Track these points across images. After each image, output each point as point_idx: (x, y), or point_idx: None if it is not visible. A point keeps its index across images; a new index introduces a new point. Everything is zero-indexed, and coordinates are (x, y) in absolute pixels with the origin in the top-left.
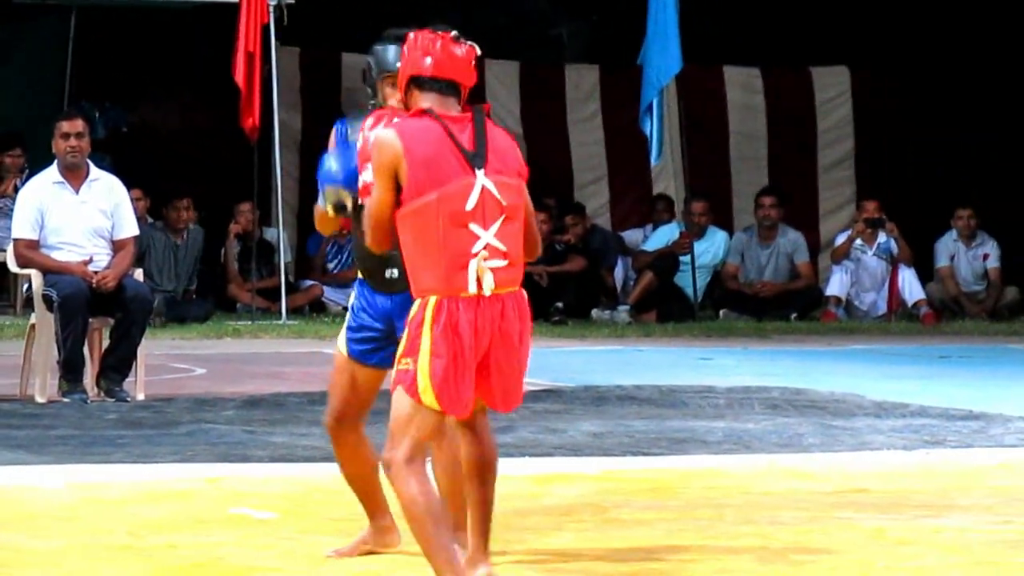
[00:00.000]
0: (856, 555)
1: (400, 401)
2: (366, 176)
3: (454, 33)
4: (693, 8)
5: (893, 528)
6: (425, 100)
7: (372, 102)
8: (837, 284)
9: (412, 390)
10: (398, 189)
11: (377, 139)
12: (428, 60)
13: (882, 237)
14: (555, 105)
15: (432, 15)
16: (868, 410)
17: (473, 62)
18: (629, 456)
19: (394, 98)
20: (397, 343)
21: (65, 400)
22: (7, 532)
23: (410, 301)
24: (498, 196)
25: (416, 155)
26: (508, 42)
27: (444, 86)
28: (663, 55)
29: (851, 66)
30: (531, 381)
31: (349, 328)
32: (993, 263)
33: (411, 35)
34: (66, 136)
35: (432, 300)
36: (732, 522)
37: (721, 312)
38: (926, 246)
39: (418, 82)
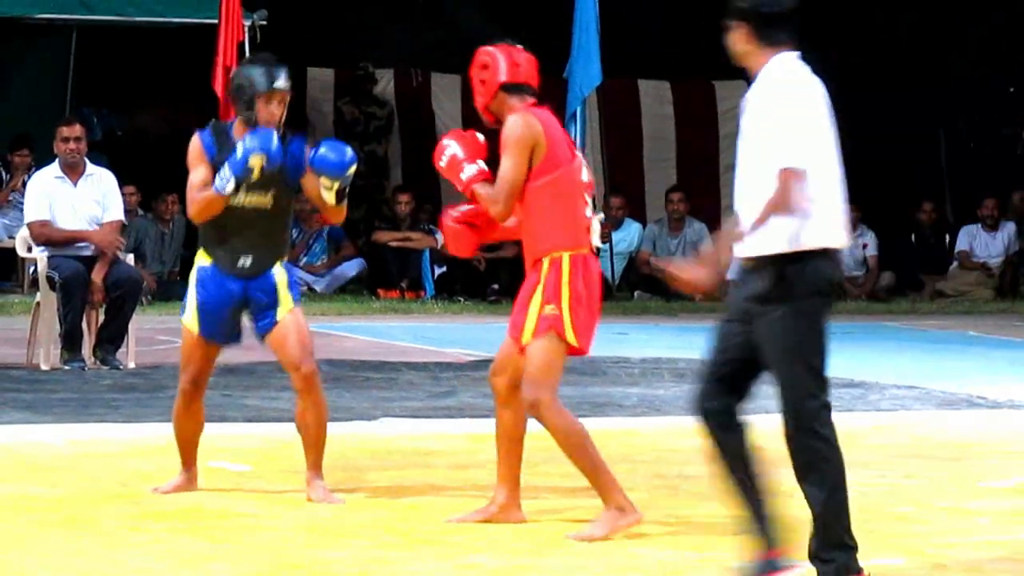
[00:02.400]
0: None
1: (544, 346)
2: (481, 165)
3: (521, 46)
4: (612, 28)
5: (783, 480)
6: (515, 101)
7: (247, 114)
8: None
9: (561, 331)
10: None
11: (522, 122)
12: (517, 70)
13: None
14: None
15: (383, 33)
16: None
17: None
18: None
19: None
20: (237, 323)
21: (66, 368)
22: (15, 482)
23: (259, 284)
24: (584, 174)
25: (552, 136)
26: (450, 57)
27: (528, 90)
28: (586, 70)
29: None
30: (470, 352)
31: (200, 310)
32: (871, 251)
33: (494, 49)
34: (66, 139)
35: (567, 255)
36: (645, 475)
37: (635, 293)
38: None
39: (508, 88)
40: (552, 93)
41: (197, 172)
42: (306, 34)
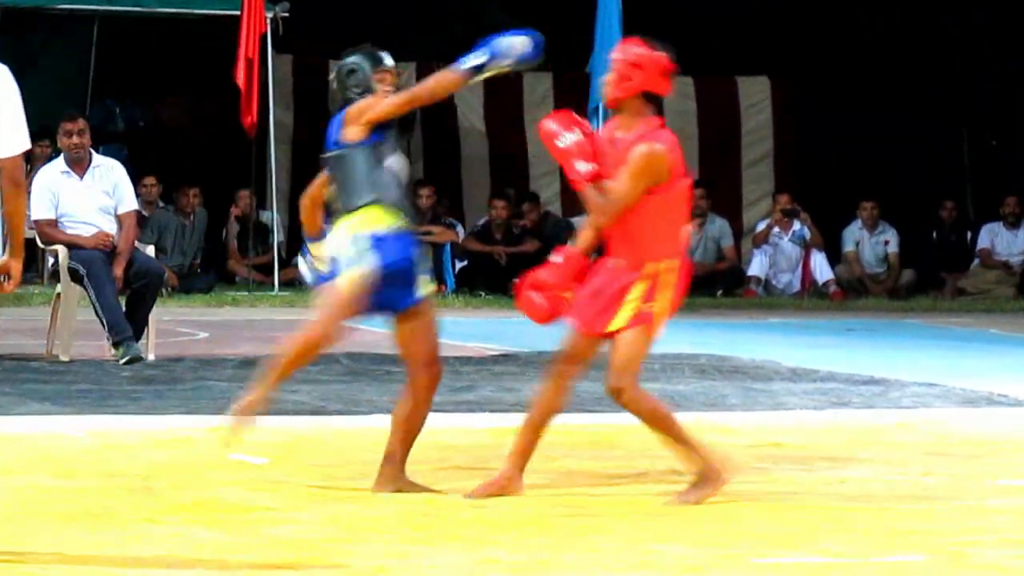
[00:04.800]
0: (772, 500)
1: (635, 338)
2: (595, 167)
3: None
4: (634, 23)
5: (804, 478)
6: (647, 111)
7: (356, 91)
8: (757, 266)
9: (651, 327)
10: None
11: (657, 155)
12: (662, 82)
13: (797, 225)
14: (514, 107)
15: (406, 28)
16: (784, 375)
17: None
18: (575, 413)
19: (383, 89)
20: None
21: (122, 362)
22: (35, 473)
23: None
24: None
25: (675, 158)
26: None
27: (659, 101)
28: (608, 64)
29: (771, 76)
30: (490, 346)
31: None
32: (893, 248)
33: (647, 52)
34: (69, 134)
35: (670, 265)
36: (664, 471)
37: None
38: (835, 233)
39: (648, 97)
40: (575, 87)
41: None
42: (328, 27)
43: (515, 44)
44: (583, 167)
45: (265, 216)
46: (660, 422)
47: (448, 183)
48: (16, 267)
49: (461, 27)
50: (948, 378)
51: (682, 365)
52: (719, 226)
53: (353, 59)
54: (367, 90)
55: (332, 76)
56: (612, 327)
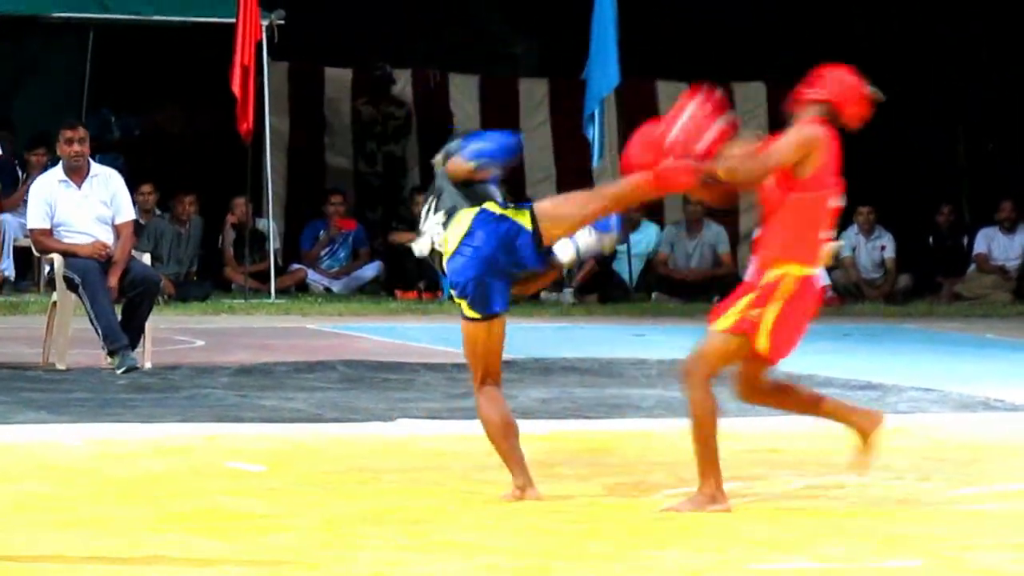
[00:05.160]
0: (770, 505)
1: (730, 341)
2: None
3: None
4: (630, 29)
5: (801, 483)
6: (818, 120)
7: None
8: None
9: (753, 338)
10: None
11: (817, 132)
12: (856, 111)
13: None
14: (510, 113)
15: (402, 34)
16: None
17: None
18: (572, 419)
19: None
20: None
21: (118, 371)
22: (32, 481)
23: None
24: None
25: (829, 157)
26: (469, 58)
27: (836, 121)
28: (604, 71)
29: (767, 82)
30: None
31: None
32: (889, 254)
33: (858, 84)
34: (69, 141)
35: (794, 272)
36: (662, 477)
37: (653, 295)
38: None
39: (828, 111)
40: (571, 94)
41: None
42: (324, 34)
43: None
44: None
45: (261, 224)
46: (701, 425)
47: None
48: None
49: (457, 33)
50: (945, 383)
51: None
52: (716, 232)
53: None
54: None
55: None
56: (717, 326)
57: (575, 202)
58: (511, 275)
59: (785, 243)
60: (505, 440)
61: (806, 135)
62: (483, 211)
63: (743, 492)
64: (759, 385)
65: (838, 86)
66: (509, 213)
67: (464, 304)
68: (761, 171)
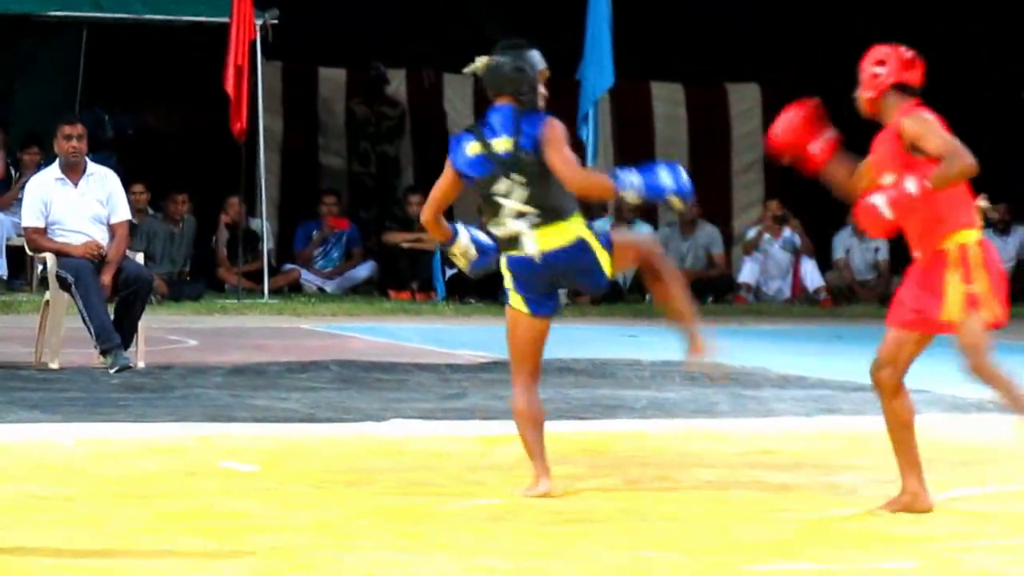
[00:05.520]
0: (762, 507)
1: (975, 320)
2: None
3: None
4: (625, 30)
5: (795, 484)
6: (900, 101)
7: (529, 96)
8: (747, 272)
9: (978, 308)
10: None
11: (927, 116)
12: (907, 73)
13: (787, 232)
14: None
15: (398, 34)
16: (774, 382)
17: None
18: (566, 420)
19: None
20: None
21: (109, 370)
22: (24, 481)
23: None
24: None
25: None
26: (463, 58)
27: (912, 91)
28: (598, 72)
29: (761, 83)
30: (481, 354)
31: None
32: (883, 255)
33: (890, 49)
34: (68, 137)
35: (973, 237)
36: (655, 477)
37: (646, 296)
38: (825, 240)
39: (903, 88)
40: (565, 95)
41: (566, 150)
42: (318, 33)
43: (668, 180)
44: (910, 184)
45: (255, 223)
46: (1016, 400)
47: None
48: None
49: (451, 33)
50: (938, 385)
51: (672, 372)
52: (709, 233)
53: (521, 56)
54: (532, 92)
55: (485, 66)
56: (948, 316)
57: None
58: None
59: (950, 213)
60: (530, 431)
61: (927, 117)
62: (581, 240)
63: (737, 494)
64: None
65: (893, 61)
66: (595, 247)
67: (520, 299)
68: (965, 151)
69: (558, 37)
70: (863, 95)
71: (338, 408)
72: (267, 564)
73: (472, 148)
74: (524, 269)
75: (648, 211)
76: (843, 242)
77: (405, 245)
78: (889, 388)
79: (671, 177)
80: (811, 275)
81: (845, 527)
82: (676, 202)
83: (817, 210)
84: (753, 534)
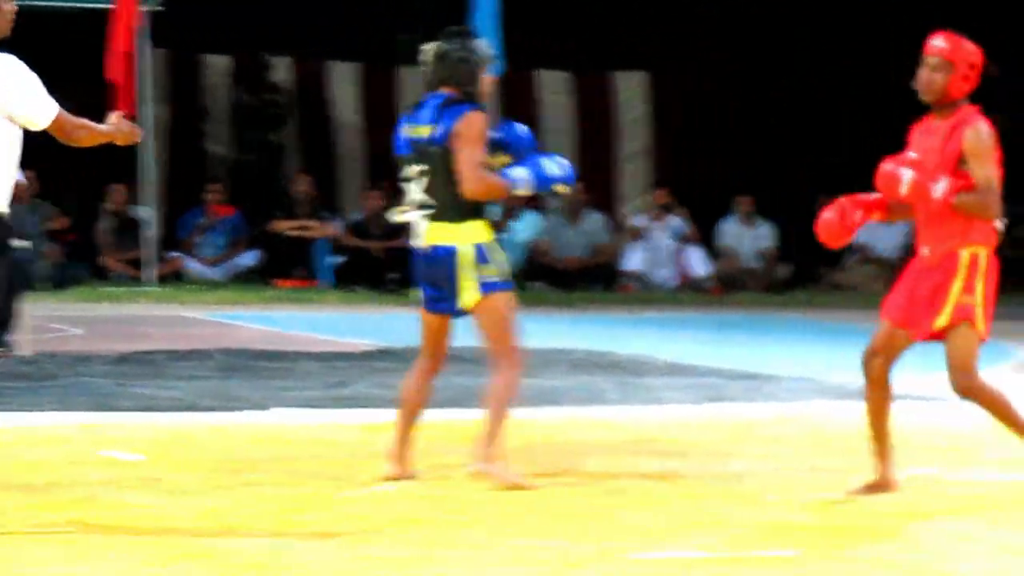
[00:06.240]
0: (649, 494)
1: (965, 335)
2: (947, 179)
3: None
4: (511, 20)
5: (683, 472)
6: (967, 103)
7: (472, 88)
8: (634, 260)
9: (973, 321)
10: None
11: (990, 132)
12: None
13: (673, 219)
14: (390, 101)
15: (284, 23)
16: (661, 369)
17: None
18: (452, 408)
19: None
20: None
21: None
22: None
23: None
24: None
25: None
26: (349, 47)
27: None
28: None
29: (649, 71)
30: (367, 342)
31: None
32: (769, 243)
33: (977, 52)
34: None
35: (984, 252)
36: (541, 466)
37: (533, 284)
38: (711, 227)
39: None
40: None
41: (477, 151)
42: (202, 21)
43: (554, 169)
44: (940, 185)
45: (139, 211)
46: (1004, 413)
47: (325, 178)
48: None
49: (337, 21)
50: (824, 372)
51: (558, 360)
52: (596, 221)
53: (466, 45)
54: (475, 82)
55: (430, 54)
56: (937, 324)
57: None
58: None
59: (970, 227)
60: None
61: (991, 144)
62: (455, 249)
63: (623, 481)
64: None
65: (978, 67)
66: (464, 269)
67: (420, 290)
68: (998, 200)
69: (444, 26)
70: (949, 90)
71: (223, 397)
72: (152, 553)
73: (404, 129)
74: (417, 261)
75: (535, 199)
76: (729, 230)
77: (291, 233)
78: (876, 377)
79: (555, 166)
80: (698, 263)
81: (731, 514)
82: (562, 188)
83: (704, 198)
84: (640, 521)
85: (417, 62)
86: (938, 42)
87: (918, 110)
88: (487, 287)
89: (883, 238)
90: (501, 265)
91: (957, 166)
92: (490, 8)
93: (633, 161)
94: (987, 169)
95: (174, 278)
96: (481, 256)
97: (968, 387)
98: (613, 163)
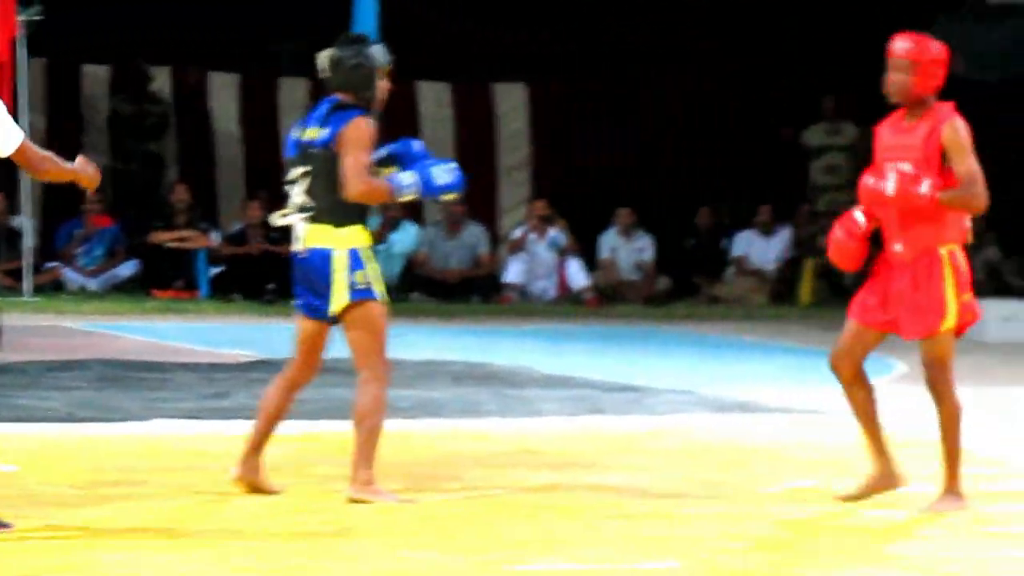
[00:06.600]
0: (526, 507)
1: (948, 338)
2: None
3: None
4: (390, 31)
5: (559, 484)
6: (937, 102)
7: (366, 93)
8: (514, 272)
9: (968, 319)
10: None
11: (966, 127)
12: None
13: (553, 231)
14: (269, 111)
15: (163, 33)
16: (539, 381)
17: None
18: (327, 420)
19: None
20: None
21: None
22: None
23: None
24: None
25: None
26: (229, 56)
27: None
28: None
29: (527, 82)
30: (245, 352)
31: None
32: (649, 256)
33: (941, 48)
34: None
35: (958, 248)
36: (422, 477)
37: (412, 295)
38: (591, 240)
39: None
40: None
41: (362, 156)
42: (81, 30)
43: (442, 176)
44: (926, 184)
45: (16, 221)
46: (952, 423)
47: (204, 188)
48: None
49: (217, 31)
50: (702, 385)
51: (437, 372)
52: (475, 233)
53: (360, 51)
54: (370, 87)
55: (327, 59)
56: (945, 326)
57: None
58: None
59: (947, 224)
60: (257, 418)
61: (967, 137)
62: (329, 252)
63: (500, 493)
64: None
65: (943, 63)
66: (338, 273)
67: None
68: (984, 190)
69: (324, 36)
70: (914, 89)
71: (101, 408)
72: (28, 565)
73: (294, 132)
74: (294, 264)
75: (413, 210)
76: (609, 242)
77: (170, 244)
78: (847, 377)
79: (443, 172)
80: (577, 275)
81: (607, 527)
82: (450, 196)
83: (583, 210)
84: (518, 533)
85: (297, 72)
86: (901, 44)
87: (788, 121)
88: (357, 294)
89: (761, 250)
90: (374, 275)
91: (942, 163)
92: (370, 19)
93: (513, 173)
94: (968, 163)
95: (52, 288)
96: (355, 262)
97: (941, 380)
98: (493, 175)
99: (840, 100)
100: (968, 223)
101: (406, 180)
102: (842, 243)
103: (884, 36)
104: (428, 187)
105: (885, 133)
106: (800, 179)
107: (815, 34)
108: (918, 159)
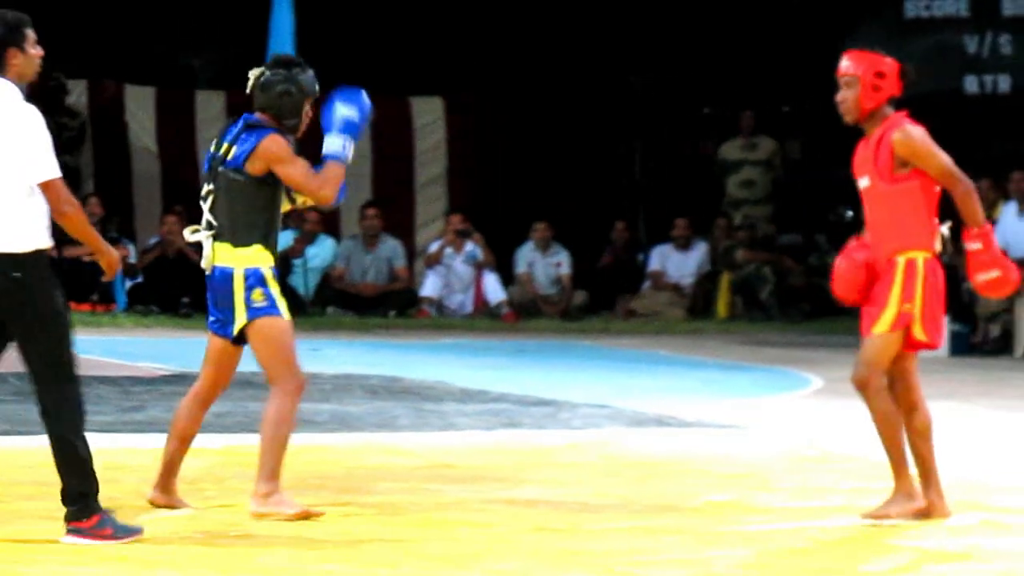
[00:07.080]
0: (441, 521)
1: (890, 338)
2: None
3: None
4: (308, 45)
5: (474, 498)
6: (890, 111)
7: (293, 121)
8: (430, 286)
9: (911, 329)
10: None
11: (923, 133)
12: (900, 85)
13: (469, 245)
14: (186, 124)
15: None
16: (455, 396)
17: None
18: (247, 433)
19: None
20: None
21: None
22: None
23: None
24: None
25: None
26: (145, 70)
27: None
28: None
29: (445, 97)
30: (161, 366)
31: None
32: (565, 270)
33: (891, 60)
34: None
35: (922, 257)
36: (336, 491)
37: (329, 309)
38: (508, 254)
39: (893, 100)
40: (247, 107)
41: (299, 162)
42: None
43: (350, 111)
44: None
45: None
46: (889, 430)
47: (119, 202)
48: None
49: (133, 44)
50: (618, 399)
51: (353, 385)
52: (392, 246)
53: (294, 78)
54: (296, 115)
55: (255, 79)
56: (878, 330)
57: None
58: None
59: (904, 232)
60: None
61: (928, 141)
62: (231, 271)
63: (416, 507)
64: (911, 381)
65: (891, 73)
66: (237, 290)
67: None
68: (962, 175)
69: (241, 49)
70: (861, 105)
71: (16, 421)
72: None
73: (212, 147)
74: (206, 281)
75: (330, 224)
76: (525, 257)
77: (85, 258)
78: (867, 389)
79: (348, 107)
80: (494, 289)
81: (525, 541)
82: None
83: (499, 224)
84: (432, 548)
85: (212, 85)
86: (843, 62)
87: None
88: (254, 312)
89: (677, 265)
90: (273, 292)
91: (893, 171)
92: (287, 33)
93: (430, 187)
94: (936, 161)
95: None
96: (255, 280)
97: (866, 382)
98: (410, 188)
99: (759, 115)
100: (944, 231)
101: (335, 146)
102: (844, 273)
103: (801, 52)
104: (352, 130)
105: (859, 149)
106: (717, 193)
107: (735, 49)
108: (871, 171)
